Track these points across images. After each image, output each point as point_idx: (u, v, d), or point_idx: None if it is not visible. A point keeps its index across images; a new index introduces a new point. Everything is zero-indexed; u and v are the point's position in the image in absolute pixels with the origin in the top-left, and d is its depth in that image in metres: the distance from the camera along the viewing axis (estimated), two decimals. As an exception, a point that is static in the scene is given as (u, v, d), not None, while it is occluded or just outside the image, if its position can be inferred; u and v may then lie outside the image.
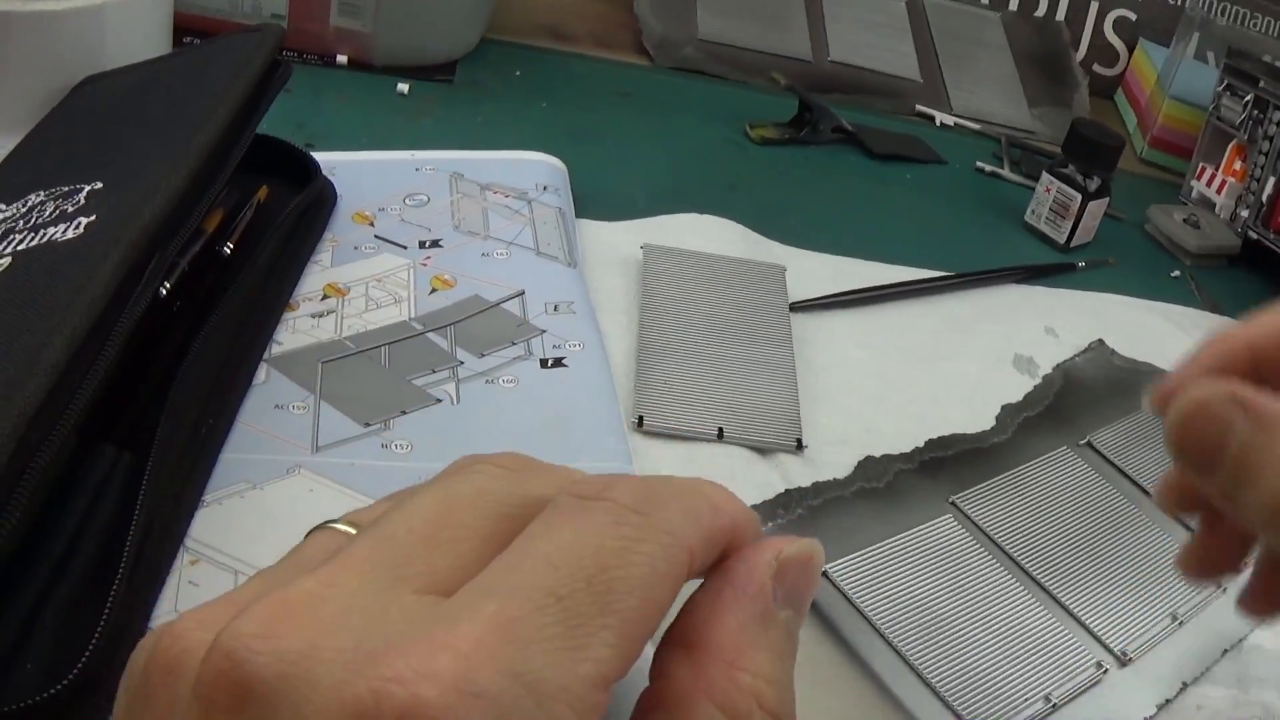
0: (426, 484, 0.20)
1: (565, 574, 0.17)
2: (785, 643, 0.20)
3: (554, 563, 0.18)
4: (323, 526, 0.21)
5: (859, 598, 0.42)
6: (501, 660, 0.16)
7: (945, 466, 0.50)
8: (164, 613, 0.36)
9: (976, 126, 0.83)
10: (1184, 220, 0.75)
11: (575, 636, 0.17)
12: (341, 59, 0.69)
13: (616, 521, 0.18)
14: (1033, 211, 0.71)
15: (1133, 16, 0.94)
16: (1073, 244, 0.69)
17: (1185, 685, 0.44)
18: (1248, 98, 0.75)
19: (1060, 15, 0.94)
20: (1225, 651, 0.45)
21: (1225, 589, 0.48)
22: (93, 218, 0.40)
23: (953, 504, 0.48)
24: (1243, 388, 0.25)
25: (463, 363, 0.46)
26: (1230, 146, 0.77)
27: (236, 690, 0.16)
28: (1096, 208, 0.69)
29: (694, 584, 0.20)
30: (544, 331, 0.48)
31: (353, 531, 0.21)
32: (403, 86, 0.68)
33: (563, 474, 0.21)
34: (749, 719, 0.18)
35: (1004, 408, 0.54)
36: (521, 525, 0.19)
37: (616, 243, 0.57)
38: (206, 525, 0.38)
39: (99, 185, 0.43)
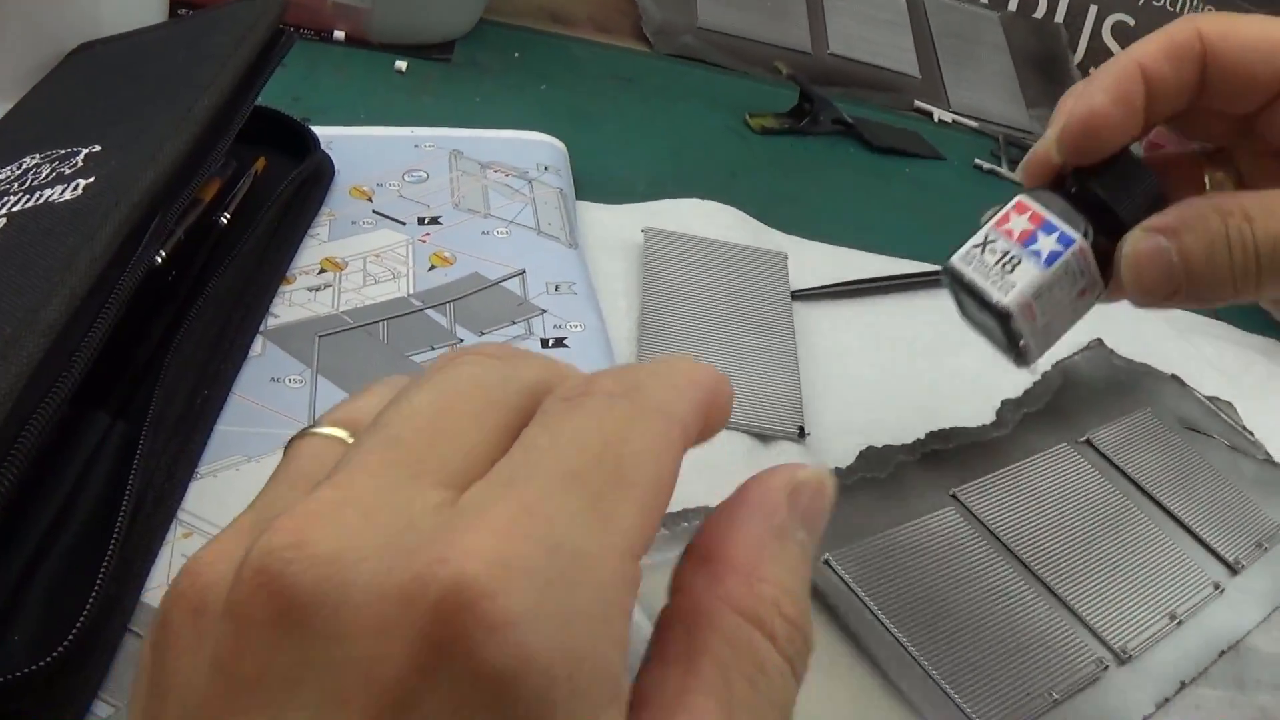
0: (419, 380, 0.20)
1: (575, 455, 0.18)
2: (801, 561, 0.20)
3: (561, 449, 0.18)
4: (305, 434, 0.21)
5: (862, 586, 0.41)
6: (536, 535, 0.16)
7: (946, 459, 0.49)
8: (156, 585, 0.35)
9: (974, 124, 0.83)
10: (1179, 223, 0.75)
11: (599, 509, 0.17)
12: (338, 34, 0.68)
13: (609, 406, 0.19)
14: None
15: (1131, 21, 0.94)
16: None
17: (1184, 684, 0.43)
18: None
19: (1059, 17, 0.94)
20: (1222, 653, 0.45)
21: (1223, 589, 0.48)
22: (91, 179, 0.39)
23: (954, 496, 0.47)
24: None
25: (462, 340, 0.46)
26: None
27: (274, 603, 0.16)
28: None
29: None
30: (544, 311, 0.48)
31: (341, 435, 0.21)
32: (401, 64, 0.67)
33: (546, 361, 0.21)
34: (771, 624, 0.18)
35: (1004, 403, 0.54)
36: (519, 415, 0.19)
37: (617, 226, 0.57)
38: (201, 498, 0.37)
39: (97, 148, 0.42)
